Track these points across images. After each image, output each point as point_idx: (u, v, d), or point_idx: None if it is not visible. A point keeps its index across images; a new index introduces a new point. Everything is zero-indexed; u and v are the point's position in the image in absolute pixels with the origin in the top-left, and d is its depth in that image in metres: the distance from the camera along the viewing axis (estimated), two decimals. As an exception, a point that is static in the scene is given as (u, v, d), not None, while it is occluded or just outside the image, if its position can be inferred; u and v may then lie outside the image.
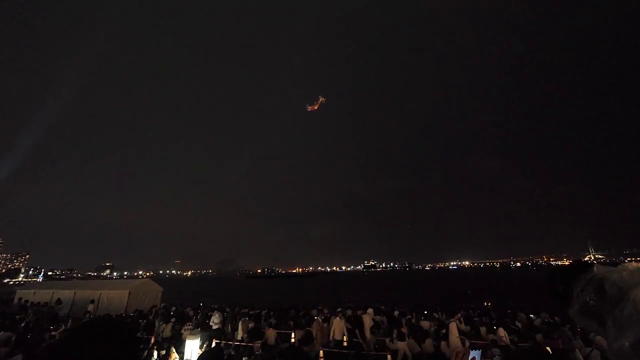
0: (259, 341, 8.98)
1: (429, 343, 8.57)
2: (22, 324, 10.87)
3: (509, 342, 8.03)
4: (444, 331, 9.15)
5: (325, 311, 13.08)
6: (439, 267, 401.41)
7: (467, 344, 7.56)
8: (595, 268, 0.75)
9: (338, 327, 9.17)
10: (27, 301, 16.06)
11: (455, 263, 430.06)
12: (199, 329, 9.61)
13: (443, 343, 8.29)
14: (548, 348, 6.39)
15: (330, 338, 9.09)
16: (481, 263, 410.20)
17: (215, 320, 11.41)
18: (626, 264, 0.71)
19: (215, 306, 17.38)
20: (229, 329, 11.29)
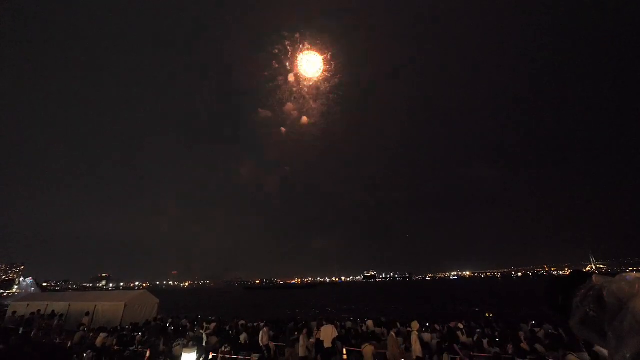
0: (257, 354, 8.79)
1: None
2: (13, 337, 10.55)
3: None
4: (446, 344, 8.94)
5: (324, 323, 12.76)
6: (439, 278, 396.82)
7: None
8: (593, 278, 0.74)
9: (416, 344, 8.26)
10: (36, 312, 15.52)
11: (455, 273, 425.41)
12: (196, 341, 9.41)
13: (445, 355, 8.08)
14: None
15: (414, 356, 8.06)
16: (482, 273, 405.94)
17: (264, 340, 10.05)
18: (624, 274, 0.70)
19: (261, 323, 13.95)
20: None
